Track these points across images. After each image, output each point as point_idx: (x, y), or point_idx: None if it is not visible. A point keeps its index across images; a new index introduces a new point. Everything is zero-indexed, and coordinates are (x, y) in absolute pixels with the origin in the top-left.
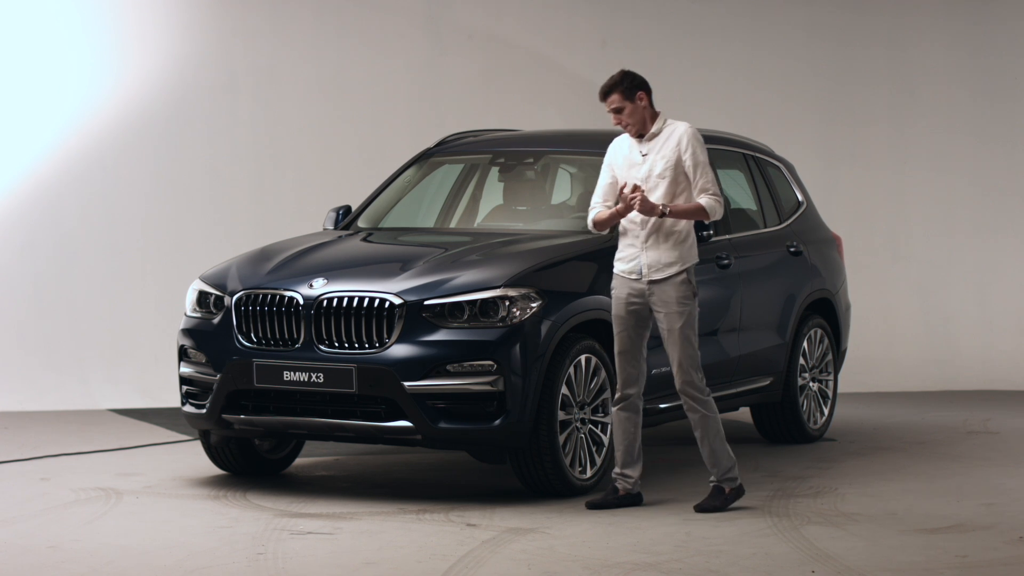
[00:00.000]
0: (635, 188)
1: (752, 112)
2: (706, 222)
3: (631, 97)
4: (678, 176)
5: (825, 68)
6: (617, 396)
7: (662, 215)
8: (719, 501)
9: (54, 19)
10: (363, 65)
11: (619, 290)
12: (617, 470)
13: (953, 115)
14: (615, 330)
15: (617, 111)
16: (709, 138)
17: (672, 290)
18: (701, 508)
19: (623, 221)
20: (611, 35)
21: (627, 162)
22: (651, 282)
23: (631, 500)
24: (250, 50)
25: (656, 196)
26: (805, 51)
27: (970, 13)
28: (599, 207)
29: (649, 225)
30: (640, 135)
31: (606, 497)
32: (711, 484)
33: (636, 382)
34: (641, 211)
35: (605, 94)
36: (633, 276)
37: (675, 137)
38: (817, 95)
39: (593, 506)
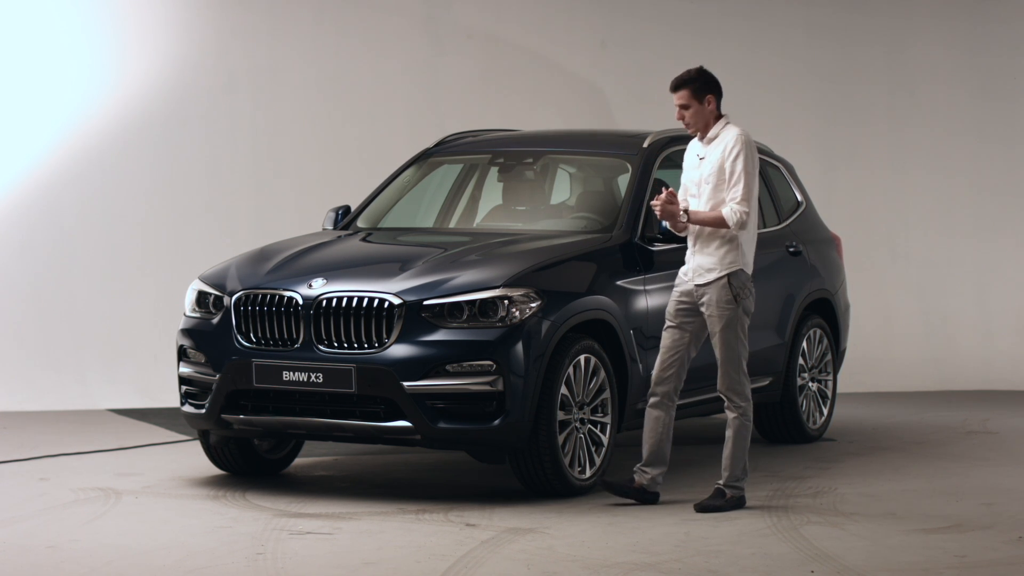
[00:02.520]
0: (667, 193)
1: (752, 112)
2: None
3: (700, 98)
4: (721, 182)
5: (824, 68)
6: (649, 392)
7: (681, 220)
8: (719, 502)
9: (54, 19)
10: (363, 65)
11: (676, 288)
12: (639, 464)
13: (952, 115)
14: (664, 326)
15: (683, 107)
16: None
17: (714, 293)
18: (701, 507)
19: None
20: (611, 35)
21: (690, 164)
22: (698, 285)
23: (644, 496)
24: (249, 50)
25: (703, 200)
26: (804, 51)
27: (969, 13)
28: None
29: (696, 229)
30: (701, 137)
31: (622, 482)
32: (716, 485)
33: (667, 381)
34: (661, 216)
35: (676, 88)
36: (686, 277)
37: (726, 142)
38: (816, 95)
39: (606, 485)
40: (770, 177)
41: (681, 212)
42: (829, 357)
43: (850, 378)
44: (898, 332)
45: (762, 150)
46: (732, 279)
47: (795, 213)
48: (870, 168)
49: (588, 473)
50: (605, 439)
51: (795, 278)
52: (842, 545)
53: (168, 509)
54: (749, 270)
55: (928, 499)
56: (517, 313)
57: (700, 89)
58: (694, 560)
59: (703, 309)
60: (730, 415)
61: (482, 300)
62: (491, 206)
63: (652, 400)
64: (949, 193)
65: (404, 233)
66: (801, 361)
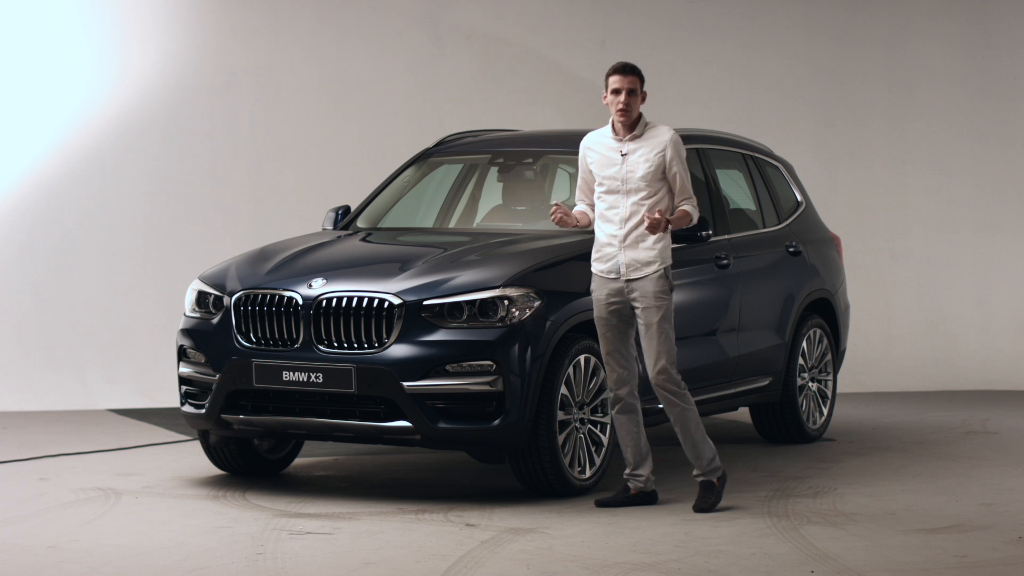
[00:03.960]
0: (651, 216)
1: (751, 112)
2: (685, 226)
3: (640, 89)
4: (656, 180)
5: (824, 68)
6: (611, 398)
7: (667, 228)
8: (713, 496)
9: (54, 19)
10: (363, 65)
11: (598, 291)
12: (628, 471)
13: (952, 114)
14: (599, 332)
15: (630, 92)
16: (708, 138)
17: (650, 285)
18: (699, 508)
19: (598, 220)
20: (610, 35)
21: (605, 161)
22: (629, 280)
23: (645, 499)
24: (249, 50)
25: (640, 196)
26: (804, 51)
27: (968, 12)
28: (580, 205)
29: (628, 226)
30: (626, 127)
31: (617, 495)
32: (698, 480)
33: (627, 382)
34: (652, 232)
35: (627, 71)
36: (611, 276)
37: (660, 143)
38: (816, 95)
39: (603, 504)
40: (770, 177)
41: (663, 220)
42: (829, 357)
43: (850, 378)
44: (898, 332)
45: (762, 150)
46: (667, 271)
47: (795, 213)
48: (870, 168)
49: (588, 473)
50: (605, 439)
51: (795, 278)
52: (842, 545)
53: (168, 509)
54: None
55: (928, 499)
56: (517, 313)
57: (642, 82)
58: (694, 560)
59: (635, 303)
60: (672, 411)
61: (482, 300)
62: (491, 206)
63: (617, 406)
64: (949, 193)
65: (404, 233)
66: (801, 361)
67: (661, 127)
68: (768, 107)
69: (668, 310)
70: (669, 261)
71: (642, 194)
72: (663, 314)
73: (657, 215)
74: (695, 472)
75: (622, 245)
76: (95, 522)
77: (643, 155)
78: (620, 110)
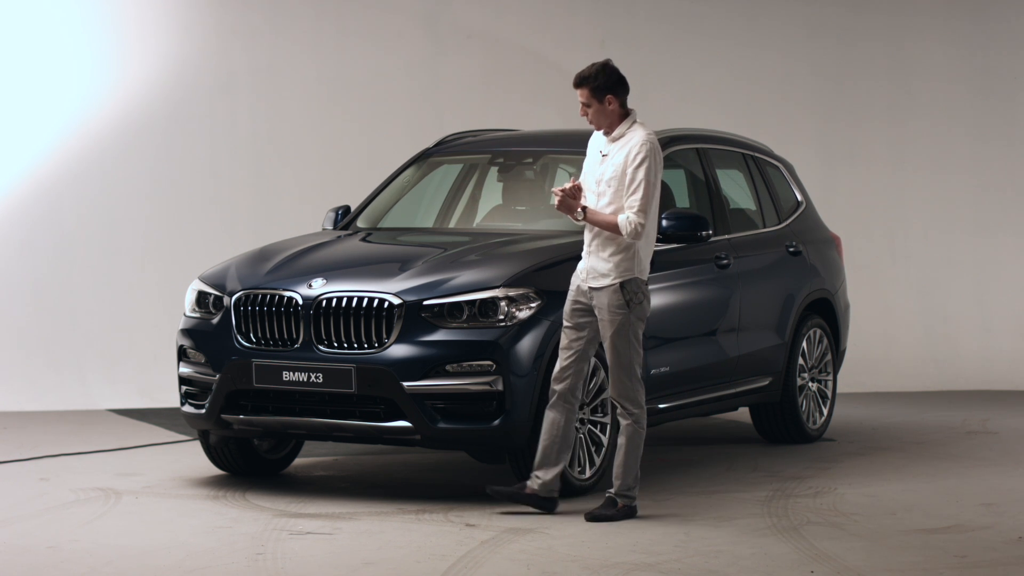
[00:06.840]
0: (573, 185)
1: (751, 112)
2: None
3: (600, 98)
4: (622, 187)
5: (824, 67)
6: (550, 392)
7: (577, 218)
8: (610, 512)
9: (54, 19)
10: (363, 65)
11: (571, 287)
12: (534, 469)
13: (952, 114)
14: (562, 326)
15: (585, 105)
16: (708, 138)
17: (605, 298)
18: (592, 516)
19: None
20: (610, 35)
21: (593, 159)
22: (590, 287)
23: (540, 503)
24: (250, 50)
25: (604, 201)
26: (804, 50)
27: (969, 11)
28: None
29: (592, 230)
30: (607, 133)
31: (512, 489)
32: (607, 494)
33: (565, 380)
34: (558, 207)
35: (576, 84)
36: (580, 277)
37: (629, 147)
38: (816, 94)
39: (496, 493)
40: (770, 177)
41: (579, 209)
42: (829, 357)
43: (850, 378)
44: (898, 332)
45: (762, 150)
46: (625, 285)
47: (795, 213)
48: (870, 167)
49: (588, 473)
50: (605, 439)
51: (795, 278)
52: (842, 545)
53: (168, 509)
54: (644, 276)
55: (928, 499)
56: (517, 313)
57: (599, 89)
58: (694, 560)
59: (596, 313)
60: (623, 422)
61: (482, 300)
62: (491, 206)
63: (550, 400)
64: (949, 192)
65: (404, 233)
66: (801, 361)
67: (639, 131)
68: (768, 107)
69: (623, 325)
70: (632, 276)
71: (606, 199)
72: (616, 329)
73: (564, 189)
74: (610, 489)
75: (587, 250)
76: (95, 522)
77: (614, 158)
78: (589, 121)
